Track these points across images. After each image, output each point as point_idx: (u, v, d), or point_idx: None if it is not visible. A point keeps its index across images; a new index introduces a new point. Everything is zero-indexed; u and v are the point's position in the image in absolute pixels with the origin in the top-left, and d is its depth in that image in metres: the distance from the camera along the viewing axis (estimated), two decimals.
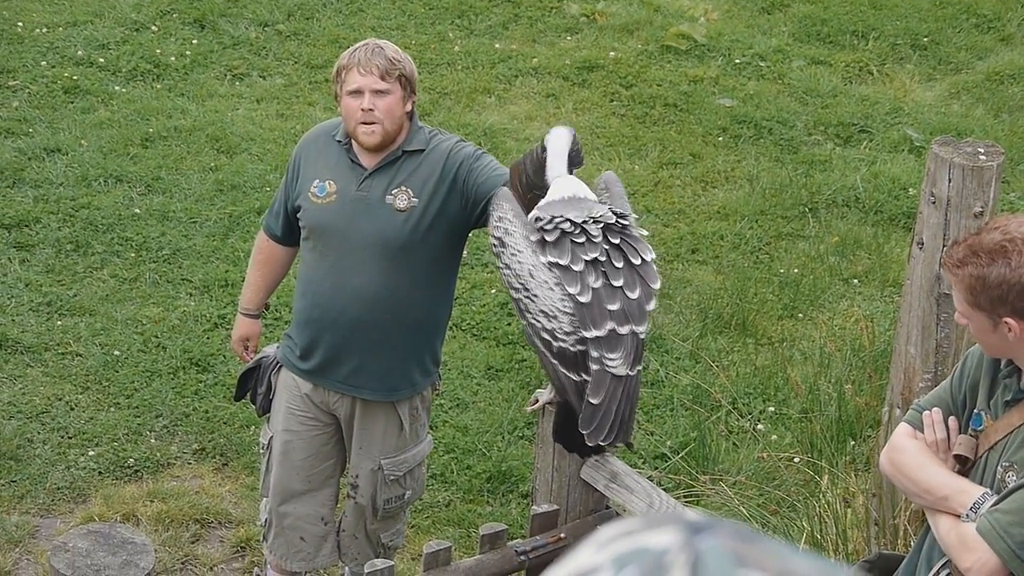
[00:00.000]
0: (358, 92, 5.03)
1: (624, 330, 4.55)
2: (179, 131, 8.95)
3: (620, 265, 4.57)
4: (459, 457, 6.65)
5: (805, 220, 8.62)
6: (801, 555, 1.36)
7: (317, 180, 5.17)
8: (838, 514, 5.54)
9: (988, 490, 3.83)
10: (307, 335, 5.25)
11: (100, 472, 6.45)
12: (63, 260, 7.72)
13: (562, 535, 4.97)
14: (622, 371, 4.56)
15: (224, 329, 7.16)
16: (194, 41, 9.99)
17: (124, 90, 9.39)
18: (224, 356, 7.06)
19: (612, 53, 10.29)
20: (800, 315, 7.78)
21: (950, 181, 4.88)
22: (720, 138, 9.45)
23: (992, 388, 3.91)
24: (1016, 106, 10.06)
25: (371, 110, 5.02)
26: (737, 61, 10.36)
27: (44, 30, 9.93)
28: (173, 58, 9.76)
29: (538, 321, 4.59)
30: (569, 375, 4.59)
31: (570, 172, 4.77)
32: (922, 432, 4.00)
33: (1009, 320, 3.73)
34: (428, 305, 5.19)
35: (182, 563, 6.07)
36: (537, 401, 5.01)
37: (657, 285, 4.64)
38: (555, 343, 4.57)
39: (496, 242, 4.68)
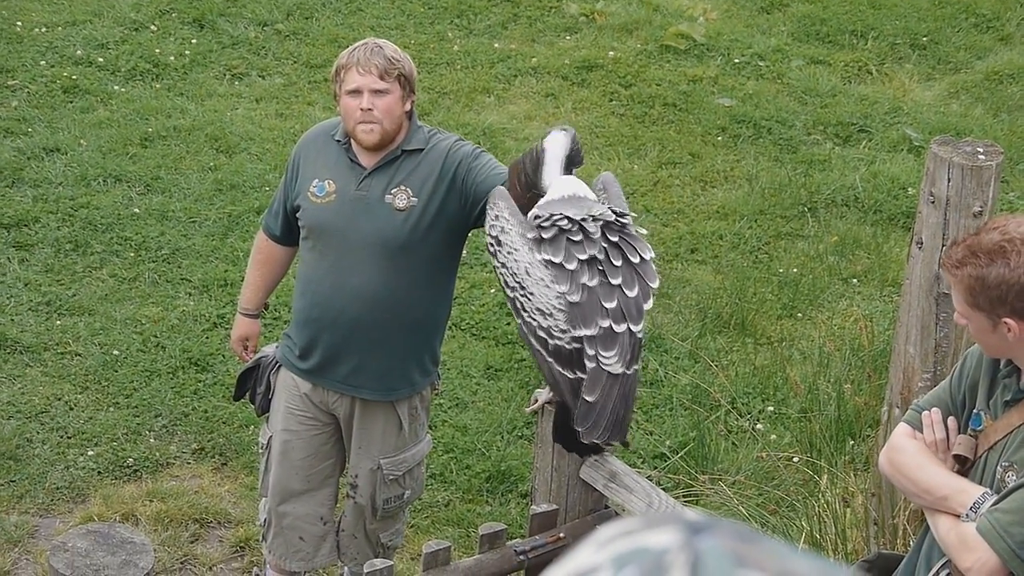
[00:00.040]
0: (357, 91, 5.02)
1: (621, 328, 4.56)
2: (178, 131, 8.95)
3: (619, 263, 4.58)
4: (458, 457, 6.65)
5: (804, 220, 8.62)
6: (800, 555, 1.36)
7: (316, 180, 5.16)
8: (837, 514, 5.54)
9: (988, 490, 3.83)
10: (306, 335, 5.25)
11: (99, 472, 6.45)
12: (62, 260, 7.72)
13: (561, 535, 4.97)
14: (618, 369, 4.56)
15: (223, 329, 7.16)
16: (193, 41, 9.99)
17: (123, 90, 9.39)
18: (223, 356, 7.06)
19: (611, 53, 10.29)
20: (799, 315, 7.78)
21: (949, 181, 4.88)
22: (719, 138, 9.45)
23: (991, 388, 3.91)
24: (1015, 106, 10.06)
25: (370, 109, 5.01)
26: (736, 61, 10.36)
27: (43, 29, 9.92)
28: (172, 58, 9.76)
29: (534, 320, 4.59)
30: (565, 373, 4.60)
31: (570, 172, 4.77)
32: (921, 432, 4.00)
33: (1008, 320, 3.73)
34: (427, 305, 5.19)
35: (181, 563, 6.07)
36: (536, 401, 5.02)
37: (656, 284, 4.64)
38: (551, 341, 4.57)
39: (493, 241, 4.68)
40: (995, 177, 4.91)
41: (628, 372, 4.59)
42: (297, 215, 5.23)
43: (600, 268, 4.57)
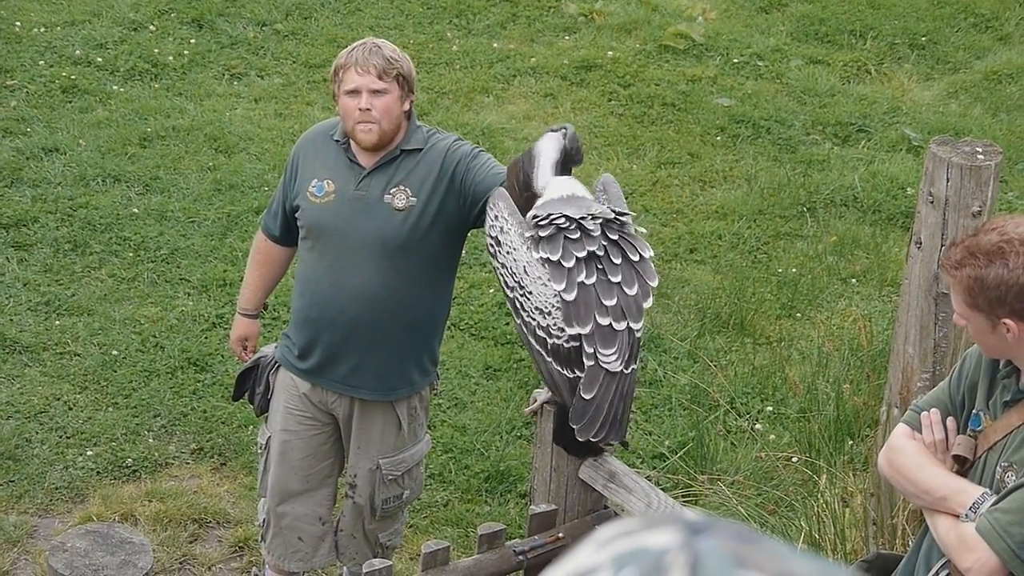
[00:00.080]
0: (356, 91, 5.02)
1: (621, 326, 4.56)
2: (177, 131, 8.95)
3: (618, 261, 4.58)
4: (457, 457, 6.64)
5: (803, 219, 8.62)
6: (800, 555, 1.35)
7: (315, 180, 5.16)
8: (836, 514, 5.54)
9: (987, 490, 3.83)
10: (305, 335, 5.24)
11: (98, 472, 6.45)
12: (61, 260, 7.72)
13: (560, 535, 4.97)
14: (616, 367, 4.57)
15: (222, 329, 7.15)
16: (192, 41, 9.99)
17: (122, 90, 9.38)
18: (222, 356, 7.06)
19: (610, 52, 10.29)
20: (798, 315, 7.78)
21: (948, 181, 4.88)
22: (718, 137, 9.45)
23: (991, 388, 3.91)
24: (1014, 105, 10.06)
25: (369, 109, 5.01)
26: (735, 60, 10.36)
27: (42, 29, 9.92)
28: (171, 58, 9.75)
29: (533, 319, 4.60)
30: (563, 372, 4.61)
31: (568, 170, 4.77)
32: (920, 433, 4.00)
33: (1007, 321, 3.73)
34: (426, 304, 5.19)
35: (180, 563, 6.07)
36: (535, 401, 5.02)
37: (655, 282, 4.65)
38: (550, 340, 4.58)
39: (492, 242, 4.69)
40: (994, 177, 4.91)
41: (626, 371, 4.59)
42: (296, 215, 5.23)
43: (599, 265, 4.57)
